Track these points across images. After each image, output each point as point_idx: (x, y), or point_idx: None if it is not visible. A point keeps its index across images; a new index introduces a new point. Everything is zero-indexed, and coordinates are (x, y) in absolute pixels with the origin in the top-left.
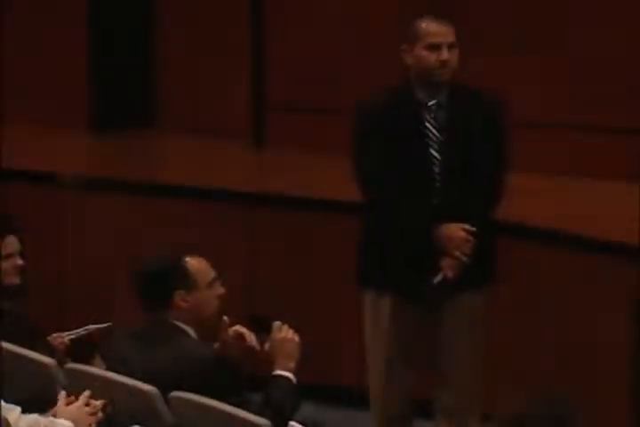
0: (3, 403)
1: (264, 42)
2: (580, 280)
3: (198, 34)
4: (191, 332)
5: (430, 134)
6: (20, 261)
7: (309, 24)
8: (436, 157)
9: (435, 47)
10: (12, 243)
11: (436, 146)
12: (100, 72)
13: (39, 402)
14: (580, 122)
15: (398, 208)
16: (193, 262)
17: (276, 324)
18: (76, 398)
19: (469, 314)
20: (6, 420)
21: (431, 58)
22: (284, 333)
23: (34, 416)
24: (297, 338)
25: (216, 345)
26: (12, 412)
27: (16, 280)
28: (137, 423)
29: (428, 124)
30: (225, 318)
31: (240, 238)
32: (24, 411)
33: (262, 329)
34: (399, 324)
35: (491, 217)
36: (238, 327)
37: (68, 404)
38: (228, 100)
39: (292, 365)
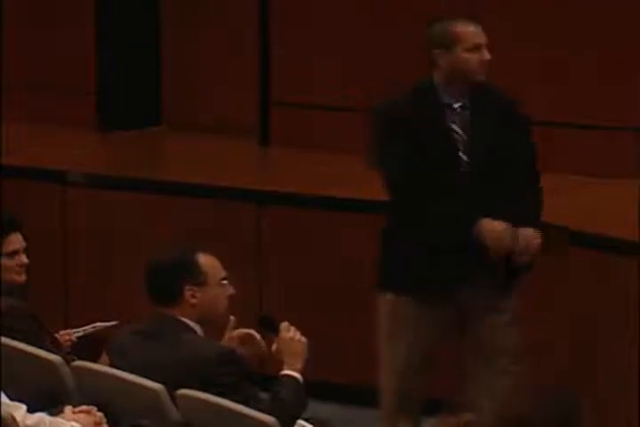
0: (8, 401)
1: (270, 40)
2: (584, 277)
3: (204, 32)
4: (198, 329)
5: (456, 136)
6: (25, 259)
7: (315, 22)
8: (463, 159)
9: (476, 48)
10: (17, 240)
11: (462, 148)
12: (107, 70)
13: (46, 400)
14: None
15: (428, 210)
16: (205, 259)
17: (284, 324)
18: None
19: (502, 316)
20: (13, 417)
21: (474, 59)
22: (292, 333)
23: (39, 415)
24: (304, 338)
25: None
26: (18, 410)
27: (21, 278)
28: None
29: (454, 126)
30: (232, 317)
31: (247, 236)
32: (31, 408)
33: (270, 330)
34: (424, 327)
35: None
36: (248, 330)
37: (74, 413)
38: (235, 98)
39: (300, 365)
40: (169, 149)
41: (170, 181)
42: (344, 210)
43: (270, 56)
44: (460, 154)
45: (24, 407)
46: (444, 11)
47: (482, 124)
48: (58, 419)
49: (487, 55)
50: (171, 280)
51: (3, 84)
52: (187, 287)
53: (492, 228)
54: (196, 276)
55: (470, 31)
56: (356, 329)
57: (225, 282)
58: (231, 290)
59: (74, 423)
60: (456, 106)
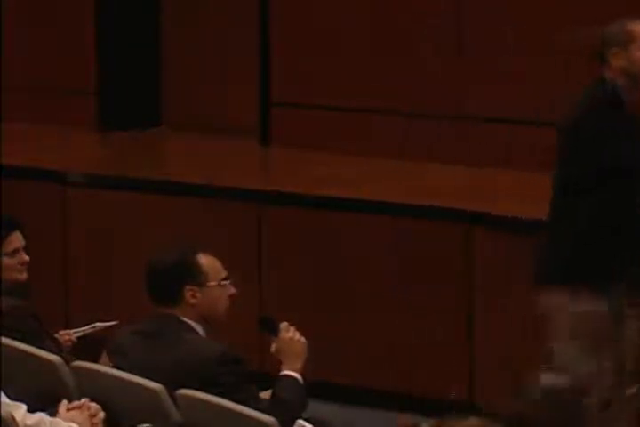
0: (8, 401)
1: (270, 40)
2: None
3: (204, 32)
4: (199, 329)
5: None
6: (26, 257)
7: (315, 22)
8: None
9: None
10: (17, 239)
11: None
12: (107, 70)
13: (46, 400)
14: None
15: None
16: (205, 259)
17: (284, 325)
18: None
19: None
20: (13, 417)
21: None
22: (292, 333)
23: (39, 415)
24: (304, 339)
25: None
26: (18, 409)
27: (23, 276)
28: (143, 421)
29: None
30: None
31: (247, 236)
32: (30, 408)
33: (270, 330)
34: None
35: None
36: None
37: (68, 410)
38: (235, 98)
39: (300, 365)
40: (169, 149)
41: (170, 181)
42: (344, 210)
43: (270, 56)
44: None
45: (24, 407)
46: (444, 11)
47: None
48: (58, 419)
49: None
50: (171, 280)
51: (3, 84)
52: (187, 287)
53: None
54: (196, 276)
55: None
56: (356, 329)
57: (225, 282)
58: (231, 290)
59: (72, 424)
60: None
